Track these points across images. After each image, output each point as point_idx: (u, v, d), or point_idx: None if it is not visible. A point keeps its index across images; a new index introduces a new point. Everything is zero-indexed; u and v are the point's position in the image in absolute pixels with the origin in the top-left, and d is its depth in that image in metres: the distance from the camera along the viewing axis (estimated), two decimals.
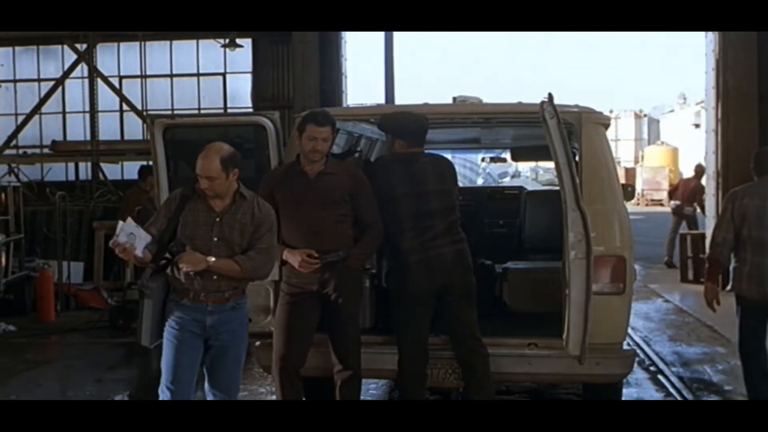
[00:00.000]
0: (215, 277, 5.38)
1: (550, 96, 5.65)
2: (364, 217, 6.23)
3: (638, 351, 9.81)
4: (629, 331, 7.54)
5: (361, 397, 6.48)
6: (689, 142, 45.88)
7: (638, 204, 42.87)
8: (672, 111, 61.39)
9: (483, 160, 27.60)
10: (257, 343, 6.58)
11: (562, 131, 5.60)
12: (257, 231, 5.42)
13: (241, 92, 18.25)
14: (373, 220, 6.22)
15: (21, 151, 18.38)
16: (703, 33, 15.85)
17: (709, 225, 15.25)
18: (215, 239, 5.39)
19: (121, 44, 18.26)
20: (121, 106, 18.28)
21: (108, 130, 18.12)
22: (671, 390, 8.37)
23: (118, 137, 18.58)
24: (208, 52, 18.10)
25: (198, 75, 18.40)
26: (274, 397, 7.31)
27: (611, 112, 52.78)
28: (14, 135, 18.21)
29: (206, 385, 5.61)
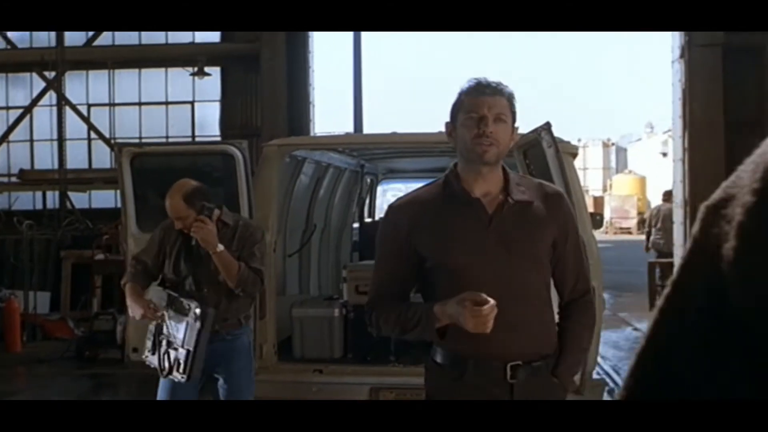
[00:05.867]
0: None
1: (548, 124, 5.52)
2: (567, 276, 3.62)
3: (607, 380, 9.81)
4: (598, 359, 7.54)
5: None
6: (657, 170, 46.27)
7: (606, 232, 43.14)
8: (639, 140, 61.97)
9: None
10: None
11: (560, 159, 5.52)
12: (241, 252, 5.37)
13: (209, 120, 18.20)
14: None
15: None
16: (669, 63, 16.05)
17: (677, 253, 15.39)
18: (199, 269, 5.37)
19: (90, 72, 18.20)
20: (89, 134, 18.18)
21: (76, 158, 18.00)
22: None
23: (86, 165, 18.44)
24: (177, 80, 18.06)
25: (167, 103, 18.35)
26: None
27: (579, 140, 53.24)
28: None
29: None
